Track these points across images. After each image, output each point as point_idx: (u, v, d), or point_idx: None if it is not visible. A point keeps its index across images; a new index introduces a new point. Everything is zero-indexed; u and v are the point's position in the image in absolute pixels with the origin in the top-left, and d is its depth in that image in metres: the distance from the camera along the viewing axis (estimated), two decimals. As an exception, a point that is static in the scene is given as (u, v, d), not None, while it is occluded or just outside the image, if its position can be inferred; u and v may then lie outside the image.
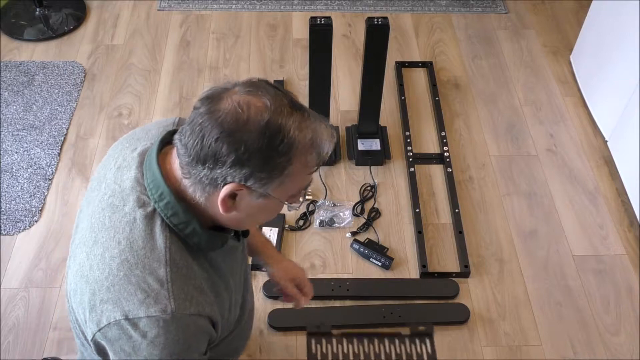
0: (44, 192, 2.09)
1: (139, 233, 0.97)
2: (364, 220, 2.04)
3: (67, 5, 2.77)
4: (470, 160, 2.24)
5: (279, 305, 1.81)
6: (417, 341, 1.65)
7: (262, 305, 1.81)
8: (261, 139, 0.89)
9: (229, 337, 1.25)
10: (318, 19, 1.93)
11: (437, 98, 2.43)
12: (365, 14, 2.79)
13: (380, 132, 2.26)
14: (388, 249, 1.96)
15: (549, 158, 2.26)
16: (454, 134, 2.33)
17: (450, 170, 2.18)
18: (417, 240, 1.98)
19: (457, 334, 1.78)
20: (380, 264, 1.92)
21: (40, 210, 2.04)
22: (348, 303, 1.84)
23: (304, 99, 2.14)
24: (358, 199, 2.10)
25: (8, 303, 1.82)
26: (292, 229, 2.00)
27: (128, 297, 0.95)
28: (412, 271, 1.93)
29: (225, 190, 0.93)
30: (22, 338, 1.75)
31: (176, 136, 0.96)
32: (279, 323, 1.76)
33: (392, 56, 2.57)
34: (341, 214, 2.05)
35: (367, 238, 1.99)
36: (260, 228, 1.93)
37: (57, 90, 2.42)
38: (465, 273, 1.91)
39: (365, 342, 1.66)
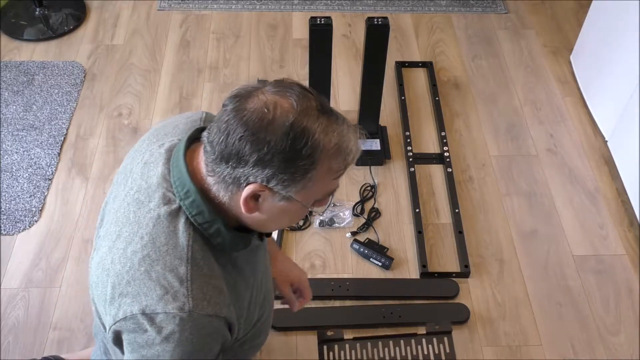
0: (44, 192, 2.09)
1: (162, 230, 0.97)
2: (364, 220, 2.04)
3: (67, 5, 2.77)
4: (470, 160, 2.24)
5: (279, 305, 1.81)
6: (435, 340, 1.61)
7: (262, 305, 1.81)
8: (284, 140, 0.89)
9: (250, 333, 1.25)
10: (318, 19, 1.93)
11: (437, 98, 2.43)
12: (365, 14, 2.79)
13: (380, 132, 2.26)
14: (388, 249, 1.96)
15: (549, 158, 2.26)
16: (454, 134, 2.33)
17: (450, 170, 2.18)
18: (417, 240, 1.98)
19: (457, 334, 1.78)
20: (380, 264, 1.92)
21: (40, 210, 2.04)
22: (348, 303, 1.84)
23: (304, 99, 2.13)
24: (358, 199, 2.10)
25: (8, 303, 1.82)
26: (292, 229, 2.00)
27: (147, 292, 0.95)
28: (412, 271, 1.93)
29: (247, 191, 0.93)
30: (22, 338, 1.75)
31: (204, 133, 0.96)
32: (280, 323, 1.76)
33: (392, 56, 2.57)
34: (341, 214, 2.05)
35: (367, 238, 1.99)
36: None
37: (57, 90, 2.42)
38: (465, 273, 1.91)
39: (380, 345, 1.62)
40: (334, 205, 2.07)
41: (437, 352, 1.60)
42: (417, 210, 2.06)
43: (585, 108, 2.41)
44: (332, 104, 2.23)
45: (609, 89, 2.23)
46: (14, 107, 2.35)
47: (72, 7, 2.76)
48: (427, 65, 2.57)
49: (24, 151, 2.20)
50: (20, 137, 2.25)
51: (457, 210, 2.06)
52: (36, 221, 2.02)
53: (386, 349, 1.59)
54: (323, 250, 1.97)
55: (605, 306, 1.86)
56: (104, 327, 1.04)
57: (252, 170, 0.91)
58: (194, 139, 1.03)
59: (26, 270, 1.89)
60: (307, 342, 1.74)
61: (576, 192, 2.15)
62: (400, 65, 2.56)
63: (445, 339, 1.59)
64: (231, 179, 0.93)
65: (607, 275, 1.93)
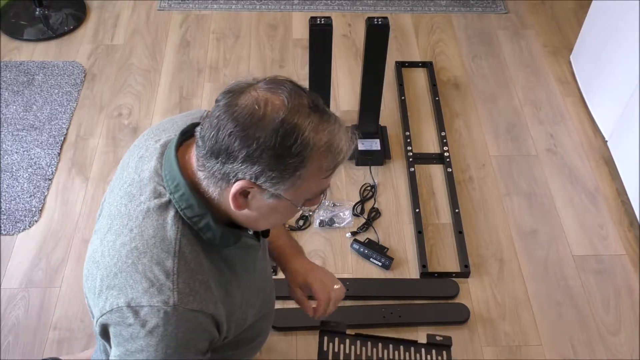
0: (44, 192, 2.09)
1: (151, 222, 0.97)
2: (364, 220, 2.04)
3: (67, 5, 2.77)
4: (470, 160, 2.24)
5: (279, 305, 1.81)
6: (434, 352, 1.61)
7: (262, 305, 1.81)
8: (274, 137, 0.88)
9: (248, 333, 1.25)
10: (318, 19, 1.93)
11: (437, 98, 2.43)
12: (365, 14, 2.79)
13: (380, 132, 2.26)
14: (388, 249, 1.96)
15: (549, 158, 2.26)
16: (454, 134, 2.33)
17: (450, 170, 2.18)
18: (417, 240, 1.98)
19: (457, 334, 1.78)
20: (380, 264, 1.92)
21: (40, 210, 2.04)
22: (348, 303, 1.84)
23: (304, 99, 2.14)
24: (358, 199, 2.10)
25: (8, 303, 1.82)
26: (292, 229, 2.00)
27: (133, 285, 0.95)
28: (412, 271, 1.93)
29: (236, 187, 0.92)
30: (22, 338, 1.75)
31: (197, 128, 0.96)
32: (280, 323, 1.76)
33: (392, 56, 2.57)
34: (341, 214, 2.05)
35: (367, 238, 1.99)
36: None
37: (57, 90, 2.42)
38: (465, 273, 1.91)
39: (380, 346, 1.62)
40: (334, 205, 2.07)
41: None
42: (417, 210, 2.06)
43: (585, 108, 2.41)
44: (332, 104, 2.25)
45: (609, 89, 2.23)
46: (14, 107, 2.35)
47: (72, 7, 2.76)
48: (427, 65, 2.57)
49: (24, 151, 2.20)
50: (20, 137, 2.25)
51: (457, 210, 2.06)
52: (36, 221, 2.02)
53: (385, 351, 1.59)
54: (323, 250, 1.97)
55: (605, 306, 1.86)
56: (94, 320, 1.04)
57: (241, 166, 0.90)
58: (189, 134, 1.03)
59: (26, 270, 1.89)
60: (307, 342, 1.74)
61: (576, 192, 2.15)
62: (400, 65, 2.56)
63: (444, 352, 1.59)
64: (220, 175, 0.93)
65: (607, 275, 1.93)
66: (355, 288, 1.86)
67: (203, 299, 0.97)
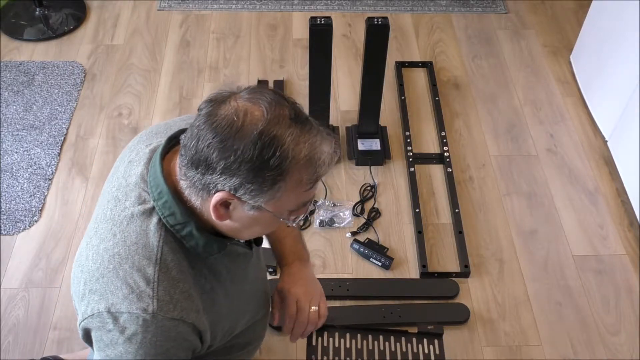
0: (44, 192, 2.09)
1: (134, 228, 0.97)
2: (364, 220, 2.04)
3: (67, 5, 2.77)
4: (470, 160, 2.24)
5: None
6: (425, 341, 1.60)
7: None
8: (252, 149, 0.86)
9: (239, 340, 1.24)
10: (318, 19, 1.93)
11: (437, 98, 2.43)
12: (365, 14, 2.79)
13: (380, 132, 2.26)
14: (388, 249, 1.96)
15: (549, 158, 2.26)
16: (454, 134, 2.33)
17: (450, 170, 2.18)
18: (417, 240, 1.98)
19: (457, 334, 1.78)
20: (380, 264, 1.92)
21: (40, 210, 2.04)
22: (348, 303, 1.84)
23: (304, 99, 2.14)
24: (358, 199, 2.10)
25: (8, 303, 1.82)
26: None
27: (114, 291, 0.94)
28: (412, 271, 1.93)
29: (216, 198, 0.91)
30: (22, 338, 1.75)
31: (182, 135, 0.94)
32: (279, 322, 1.75)
33: (392, 56, 2.57)
34: (341, 214, 2.05)
35: (367, 238, 1.99)
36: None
37: (57, 90, 2.42)
38: (465, 273, 1.91)
39: (370, 338, 1.61)
40: (334, 205, 2.07)
41: (426, 352, 1.58)
42: (417, 210, 2.06)
43: (585, 108, 2.41)
44: (332, 104, 2.25)
45: (609, 89, 2.23)
46: (14, 107, 2.35)
47: (72, 7, 2.76)
48: (427, 65, 2.57)
49: (24, 151, 2.20)
50: (20, 137, 2.25)
51: (457, 210, 2.06)
52: (36, 221, 2.02)
53: (375, 342, 1.58)
54: (323, 250, 1.97)
55: (605, 306, 1.86)
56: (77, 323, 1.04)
57: (220, 178, 0.88)
58: (177, 140, 1.01)
59: (26, 270, 1.89)
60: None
61: (576, 192, 2.15)
62: (400, 65, 2.56)
63: (436, 340, 1.58)
64: (201, 185, 0.91)
65: (607, 275, 1.93)
66: (355, 288, 1.86)
67: (184, 307, 0.96)
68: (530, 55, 2.65)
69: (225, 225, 0.96)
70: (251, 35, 2.70)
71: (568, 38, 2.71)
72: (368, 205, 2.09)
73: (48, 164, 2.17)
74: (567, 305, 1.86)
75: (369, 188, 2.14)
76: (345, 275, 1.91)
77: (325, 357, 1.53)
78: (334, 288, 1.85)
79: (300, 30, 2.72)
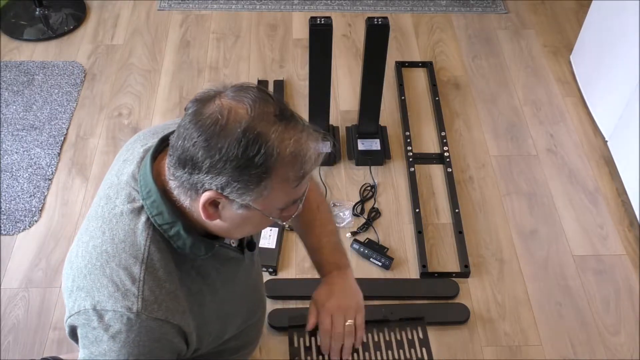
0: (44, 192, 2.09)
1: (122, 227, 0.97)
2: (364, 220, 2.04)
3: (67, 5, 2.77)
4: (470, 160, 2.24)
5: (279, 305, 1.81)
6: (408, 329, 1.59)
7: (262, 305, 1.81)
8: (236, 147, 0.85)
9: (231, 344, 1.23)
10: (318, 19, 1.93)
11: (437, 98, 2.43)
12: (365, 14, 2.79)
13: (380, 132, 2.26)
14: (388, 249, 1.96)
15: (549, 158, 2.26)
16: (454, 134, 2.33)
17: (450, 170, 2.18)
18: (417, 240, 1.98)
19: (457, 334, 1.78)
20: (380, 264, 1.92)
21: (40, 210, 2.04)
22: (348, 303, 1.84)
23: (304, 99, 2.14)
24: (358, 199, 2.10)
25: (8, 303, 1.82)
26: (293, 229, 2.00)
27: (100, 288, 0.94)
28: (412, 271, 1.93)
29: (204, 197, 0.90)
30: (22, 338, 1.75)
31: (171, 136, 0.94)
32: (279, 323, 1.76)
33: (392, 56, 2.57)
34: (341, 214, 2.05)
35: (367, 238, 1.99)
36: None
37: (57, 90, 2.42)
38: (465, 273, 1.91)
39: None
40: (334, 205, 2.07)
41: (410, 337, 1.56)
42: (417, 210, 2.06)
43: (585, 108, 2.41)
44: (332, 104, 2.25)
45: (609, 89, 2.23)
46: (14, 107, 2.35)
47: (72, 7, 2.76)
48: (427, 65, 2.57)
49: (24, 151, 2.20)
50: (20, 137, 2.25)
51: (457, 210, 2.06)
52: (36, 221, 2.02)
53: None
54: (323, 250, 1.96)
55: (605, 306, 1.86)
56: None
57: (206, 177, 0.88)
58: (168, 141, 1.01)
59: (26, 270, 1.89)
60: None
61: (576, 192, 2.15)
62: (400, 65, 2.56)
63: (419, 326, 1.56)
64: (189, 185, 0.91)
65: (607, 275, 1.93)
66: (355, 288, 1.85)
67: (169, 308, 0.96)
68: (530, 55, 2.65)
69: (216, 225, 0.96)
70: (251, 35, 2.70)
71: (568, 38, 2.71)
72: (368, 205, 2.09)
73: (48, 164, 2.17)
74: (567, 305, 1.86)
75: (369, 188, 2.14)
76: (345, 275, 1.90)
77: (309, 358, 1.51)
78: (334, 288, 1.84)
79: (300, 30, 2.72)
